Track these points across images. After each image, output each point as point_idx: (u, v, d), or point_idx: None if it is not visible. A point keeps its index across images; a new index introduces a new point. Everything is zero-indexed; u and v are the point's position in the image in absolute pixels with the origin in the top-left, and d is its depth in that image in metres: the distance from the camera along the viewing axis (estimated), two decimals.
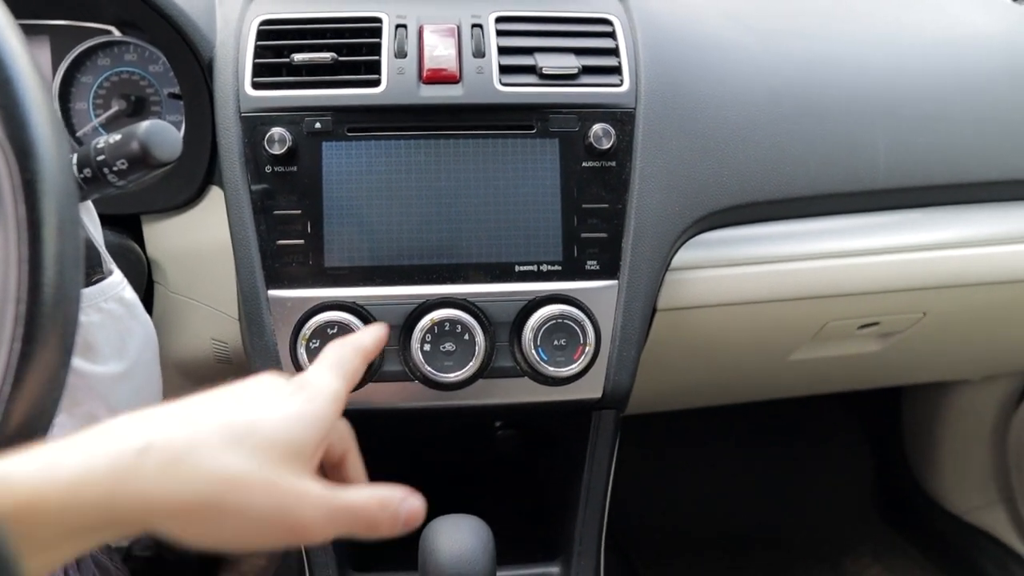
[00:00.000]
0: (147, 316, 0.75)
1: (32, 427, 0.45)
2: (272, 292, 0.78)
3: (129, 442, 0.41)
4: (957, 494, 1.48)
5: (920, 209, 0.92)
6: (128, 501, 0.40)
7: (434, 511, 0.75)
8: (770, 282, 0.88)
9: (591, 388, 0.80)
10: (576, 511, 0.84)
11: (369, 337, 0.62)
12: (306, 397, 0.50)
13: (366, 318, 0.77)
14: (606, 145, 0.79)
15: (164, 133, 0.62)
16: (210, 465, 0.42)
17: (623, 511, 1.52)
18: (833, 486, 1.64)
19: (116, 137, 0.61)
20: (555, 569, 0.86)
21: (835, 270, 0.89)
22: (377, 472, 1.07)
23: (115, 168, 0.61)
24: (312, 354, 0.76)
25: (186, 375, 0.92)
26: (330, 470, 0.57)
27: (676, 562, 1.47)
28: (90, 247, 0.68)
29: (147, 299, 0.88)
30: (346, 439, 0.57)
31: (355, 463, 0.58)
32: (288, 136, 0.77)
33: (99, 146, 0.61)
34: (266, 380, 0.51)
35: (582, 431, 0.85)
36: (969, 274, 0.93)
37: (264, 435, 0.45)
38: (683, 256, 0.85)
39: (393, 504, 0.48)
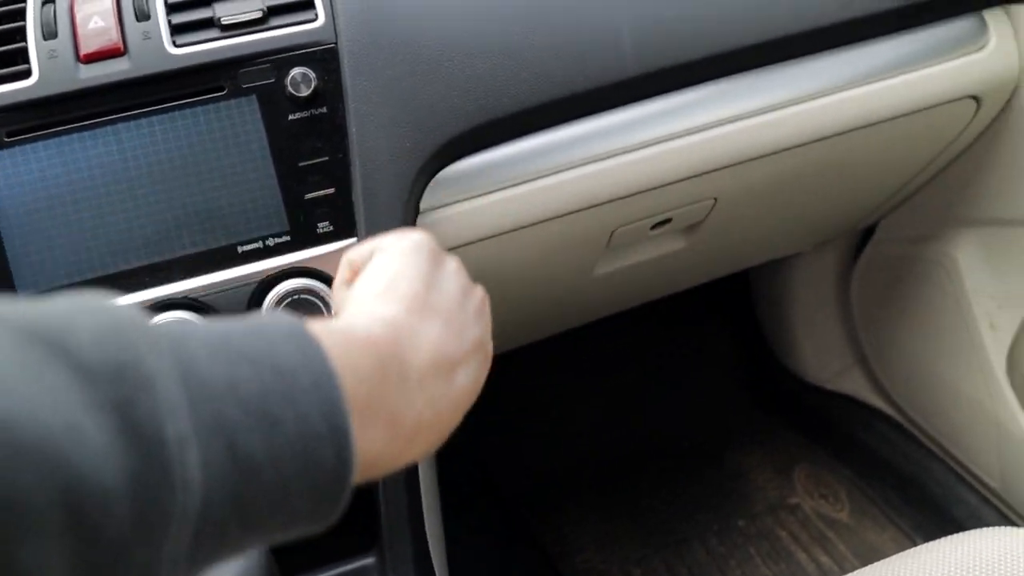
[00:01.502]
0: None
1: None
2: None
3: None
4: (816, 364, 1.47)
5: (682, 91, 0.86)
6: None
7: None
8: (535, 201, 0.81)
9: None
10: (377, 492, 0.77)
11: None
12: (484, 359, 0.50)
13: None
14: (306, 91, 0.70)
15: None
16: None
17: (497, 464, 1.48)
18: (704, 383, 1.62)
19: None
20: (370, 561, 0.79)
21: (605, 173, 0.83)
22: None
23: None
24: None
25: None
26: None
27: (559, 500, 1.43)
28: None
29: None
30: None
31: None
32: None
33: None
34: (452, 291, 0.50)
35: None
36: (747, 148, 0.88)
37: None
38: (433, 195, 0.77)
39: None
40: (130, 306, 0.32)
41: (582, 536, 1.33)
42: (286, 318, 0.38)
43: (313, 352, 0.36)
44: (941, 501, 1.23)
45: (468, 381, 0.47)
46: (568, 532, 1.34)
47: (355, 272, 0.53)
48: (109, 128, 0.68)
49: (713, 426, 1.54)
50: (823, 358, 1.47)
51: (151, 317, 0.68)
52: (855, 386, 1.42)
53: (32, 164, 0.68)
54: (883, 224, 1.28)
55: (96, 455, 0.27)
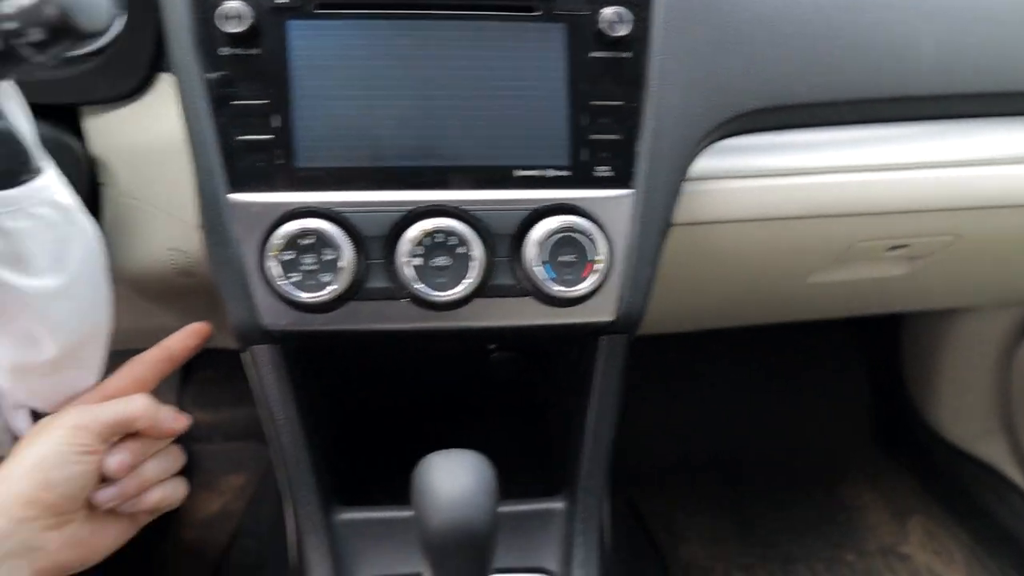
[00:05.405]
0: (89, 223, 0.65)
1: None
2: (235, 196, 0.68)
3: None
4: (956, 423, 1.43)
5: (966, 120, 0.82)
6: None
7: (428, 442, 0.67)
8: (796, 197, 0.79)
9: (603, 310, 0.71)
10: (581, 444, 0.77)
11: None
12: None
13: (345, 226, 0.67)
14: (620, 32, 0.68)
15: None
16: None
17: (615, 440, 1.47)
18: (831, 412, 1.59)
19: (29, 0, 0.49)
20: (559, 505, 0.79)
21: (869, 185, 0.80)
22: (363, 400, 0.99)
23: (31, 40, 0.49)
24: (287, 268, 0.66)
25: (141, 291, 0.82)
26: None
27: (671, 489, 1.42)
28: (12, 141, 0.57)
29: (93, 204, 0.77)
30: None
31: None
32: (247, 11, 0.65)
33: (7, 11, 0.49)
34: None
35: (588, 356, 0.76)
36: (1012, 195, 0.85)
37: None
38: (701, 165, 0.75)
39: None
40: None
41: (689, 527, 1.32)
42: None
43: None
44: None
45: None
46: (676, 519, 1.34)
47: None
48: (418, 23, 0.68)
49: (833, 455, 1.51)
50: (965, 418, 1.42)
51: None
52: (993, 453, 1.37)
53: (335, 40, 0.68)
54: None
55: None
